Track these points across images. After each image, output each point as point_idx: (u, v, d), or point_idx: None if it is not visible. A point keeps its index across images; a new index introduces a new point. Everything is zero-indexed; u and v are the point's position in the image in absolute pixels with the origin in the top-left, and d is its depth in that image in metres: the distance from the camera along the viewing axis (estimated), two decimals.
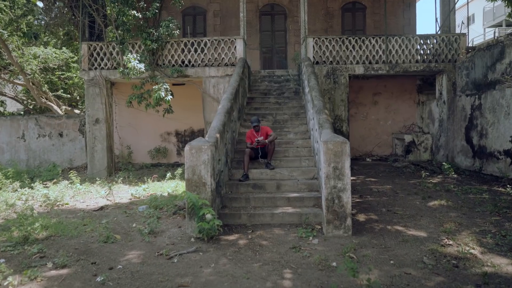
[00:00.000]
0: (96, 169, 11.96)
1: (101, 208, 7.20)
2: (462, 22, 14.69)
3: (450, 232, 4.94)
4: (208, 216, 4.84)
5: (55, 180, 9.87)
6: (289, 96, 10.90)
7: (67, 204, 7.63)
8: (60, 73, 16.94)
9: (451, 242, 4.54)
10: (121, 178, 10.59)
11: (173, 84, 13.17)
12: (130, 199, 8.16)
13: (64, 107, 16.92)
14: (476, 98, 10.25)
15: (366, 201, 7.16)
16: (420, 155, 12.61)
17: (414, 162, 12.20)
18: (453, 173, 10.08)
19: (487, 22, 23.59)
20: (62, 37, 15.80)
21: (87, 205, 7.60)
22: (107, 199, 7.94)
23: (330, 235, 5.00)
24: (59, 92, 16.96)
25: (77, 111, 17.42)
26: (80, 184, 9.46)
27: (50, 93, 16.54)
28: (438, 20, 13.87)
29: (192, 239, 5.02)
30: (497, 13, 22.37)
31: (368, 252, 4.33)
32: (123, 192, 8.91)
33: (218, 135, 6.05)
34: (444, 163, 10.52)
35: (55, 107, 16.26)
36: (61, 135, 13.91)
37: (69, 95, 17.87)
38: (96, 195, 8.61)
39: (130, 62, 10.38)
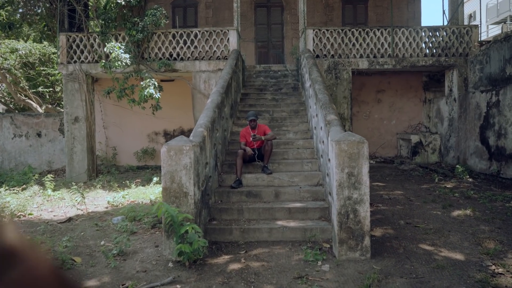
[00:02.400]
0: (76, 172, 10.88)
1: (69, 219, 6.13)
2: (470, 16, 13.83)
3: (493, 254, 3.96)
4: (191, 234, 3.82)
5: (24, 185, 8.77)
6: (287, 92, 9.91)
7: (30, 214, 6.56)
8: (41, 68, 15.79)
9: (500, 270, 3.56)
10: (101, 183, 9.54)
11: (161, 80, 12.12)
12: (106, 207, 7.10)
13: (45, 105, 15.77)
14: (493, 95, 9.32)
15: (379, 210, 6.18)
16: (427, 157, 11.67)
17: (421, 164, 11.25)
18: (468, 176, 9.17)
19: (491, 19, 22.80)
20: (43, 30, 14.67)
21: (54, 216, 6.53)
22: (78, 208, 6.87)
23: (343, 258, 4.00)
24: (39, 89, 15.76)
25: (60, 109, 16.28)
26: (53, 190, 8.40)
27: (30, 90, 15.39)
28: (446, 13, 12.98)
29: (170, 264, 3.98)
30: (501, 10, 21.58)
31: (397, 285, 3.33)
32: (100, 199, 7.85)
33: (205, 134, 5.04)
34: (457, 166, 9.59)
35: (35, 105, 15.12)
36: (39, 135, 12.80)
37: (51, 93, 16.71)
38: (69, 203, 7.54)
39: (114, 51, 9.31)
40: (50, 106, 15.93)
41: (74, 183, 9.61)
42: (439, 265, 3.71)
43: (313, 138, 7.11)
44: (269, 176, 6.03)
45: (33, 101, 15.23)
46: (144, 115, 11.50)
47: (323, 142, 5.60)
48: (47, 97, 16.70)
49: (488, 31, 22.40)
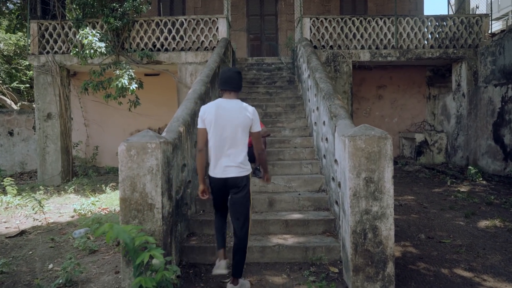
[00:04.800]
0: (48, 175, 9.80)
1: (21, 233, 5.11)
2: (477, 7, 13.04)
3: None
4: (155, 262, 2.84)
5: None
6: (282, 85, 8.96)
7: None
8: (16, 61, 14.65)
9: None
10: (73, 187, 8.50)
11: (146, 74, 11.14)
12: (72, 216, 6.08)
13: (21, 102, 14.61)
14: (508, 89, 8.45)
15: None
16: (433, 157, 10.79)
17: (426, 165, 10.38)
18: (481, 178, 8.30)
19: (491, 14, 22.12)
20: (17, 19, 13.54)
21: (6, 227, 5.49)
22: (34, 219, 5.82)
23: None
24: (14, 84, 14.59)
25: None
26: (16, 195, 7.35)
27: (4, 85, 14.23)
28: (452, 4, 12.13)
29: None
30: (502, 5, 20.88)
31: None
32: (68, 206, 6.81)
33: (182, 129, 4.06)
34: (470, 167, 8.70)
35: (9, 101, 13.97)
36: (11, 133, 11.70)
37: (28, 89, 15.54)
38: (30, 211, 6.49)
39: (86, 38, 8.26)
40: (26, 103, 14.77)
41: (42, 187, 8.60)
42: None
43: (312, 136, 6.16)
44: (262, 180, 5.06)
45: (7, 97, 14.09)
46: (126, 111, 10.44)
47: (326, 139, 4.65)
48: (24, 93, 15.56)
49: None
